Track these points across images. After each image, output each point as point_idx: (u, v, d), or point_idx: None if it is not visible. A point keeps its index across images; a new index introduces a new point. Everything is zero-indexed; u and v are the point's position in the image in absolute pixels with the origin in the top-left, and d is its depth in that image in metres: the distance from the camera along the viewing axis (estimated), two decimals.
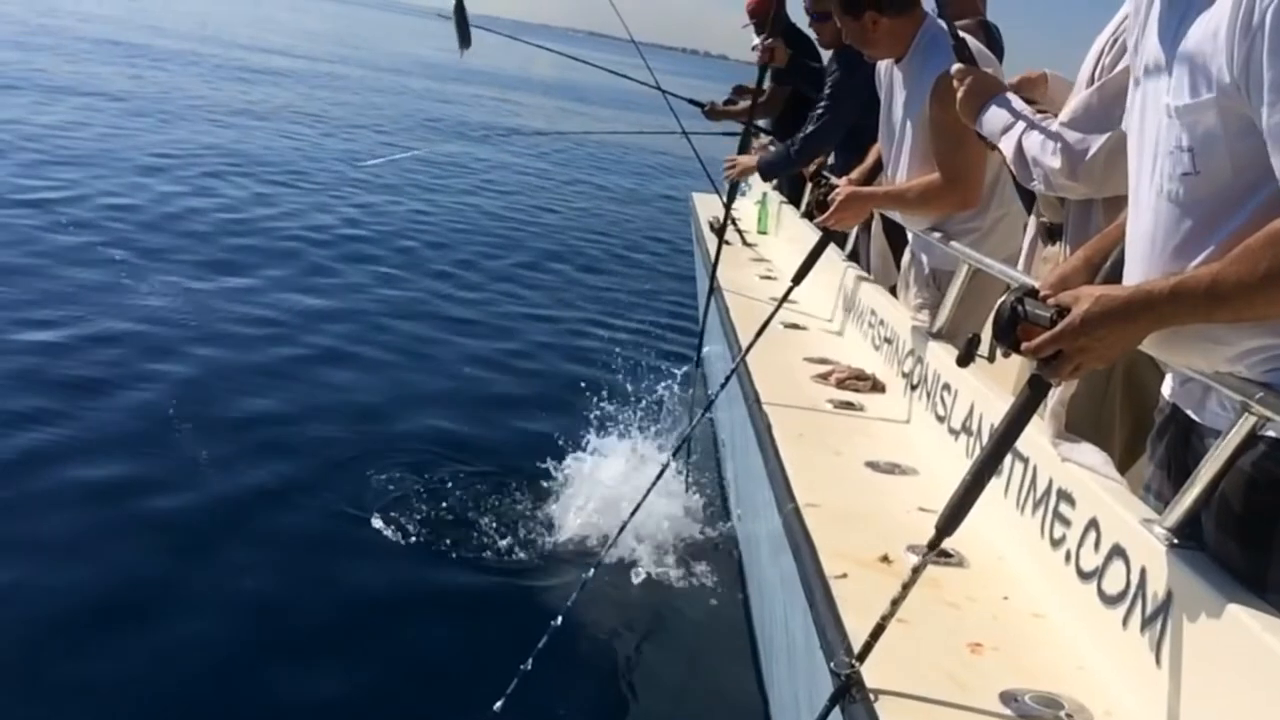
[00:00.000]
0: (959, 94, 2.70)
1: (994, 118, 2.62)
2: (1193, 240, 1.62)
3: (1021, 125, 2.52)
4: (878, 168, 4.09)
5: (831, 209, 3.87)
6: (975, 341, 2.07)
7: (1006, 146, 2.56)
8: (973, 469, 1.92)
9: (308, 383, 6.32)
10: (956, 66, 2.72)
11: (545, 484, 5.10)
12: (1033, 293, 1.78)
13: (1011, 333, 1.77)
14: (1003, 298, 1.81)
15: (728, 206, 5.81)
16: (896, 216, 4.01)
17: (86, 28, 29.95)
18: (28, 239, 8.36)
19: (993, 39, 4.25)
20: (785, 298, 4.07)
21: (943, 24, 3.38)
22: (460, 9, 4.78)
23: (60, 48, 23.38)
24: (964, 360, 2.05)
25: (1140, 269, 1.74)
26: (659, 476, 4.21)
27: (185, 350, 6.47)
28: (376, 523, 4.57)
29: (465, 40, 4.94)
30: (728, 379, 4.01)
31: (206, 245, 9.14)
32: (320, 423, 5.73)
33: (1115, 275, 1.85)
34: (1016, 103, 2.60)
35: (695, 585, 4.28)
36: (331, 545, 4.43)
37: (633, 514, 4.10)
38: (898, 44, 3.61)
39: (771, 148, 6.92)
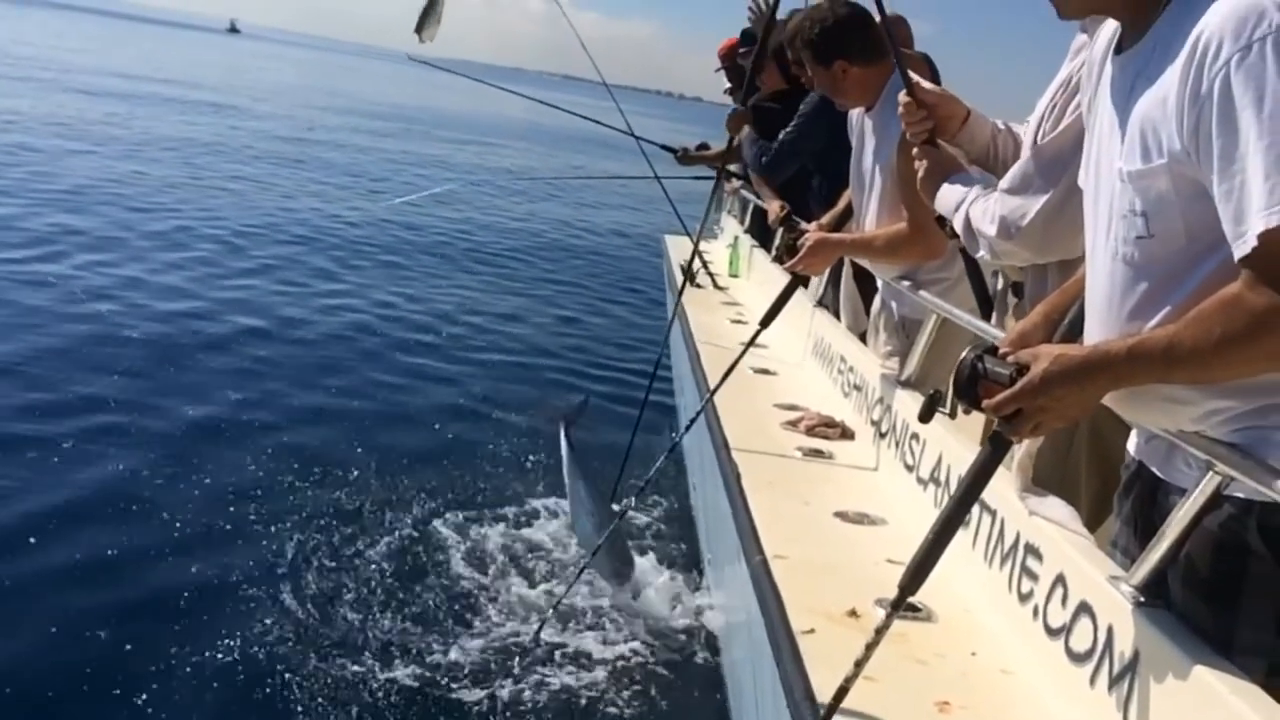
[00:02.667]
0: (919, 174, 2.70)
1: (948, 195, 2.62)
2: (1149, 302, 1.62)
3: (969, 198, 2.52)
4: (847, 214, 4.10)
5: (800, 254, 3.89)
6: (937, 398, 2.06)
7: (957, 221, 2.57)
8: (935, 527, 1.90)
9: (271, 431, 6.28)
10: (917, 149, 2.73)
11: (507, 526, 5.15)
12: (992, 350, 1.77)
13: (972, 390, 1.76)
14: (963, 354, 1.80)
15: (695, 245, 5.87)
16: (866, 264, 4.02)
17: (70, 78, 29.89)
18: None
19: (934, 73, 4.28)
20: (752, 341, 4.08)
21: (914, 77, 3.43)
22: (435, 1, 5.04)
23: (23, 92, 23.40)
24: (925, 416, 2.03)
25: (1099, 329, 1.73)
26: (620, 515, 4.18)
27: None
28: (320, 578, 4.54)
29: (421, 30, 5.13)
30: (691, 422, 4.00)
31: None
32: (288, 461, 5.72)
33: (1074, 332, 1.84)
34: (970, 178, 2.61)
35: (665, 629, 4.24)
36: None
37: (594, 553, 4.11)
38: (868, 93, 3.64)
39: (743, 191, 6.98)
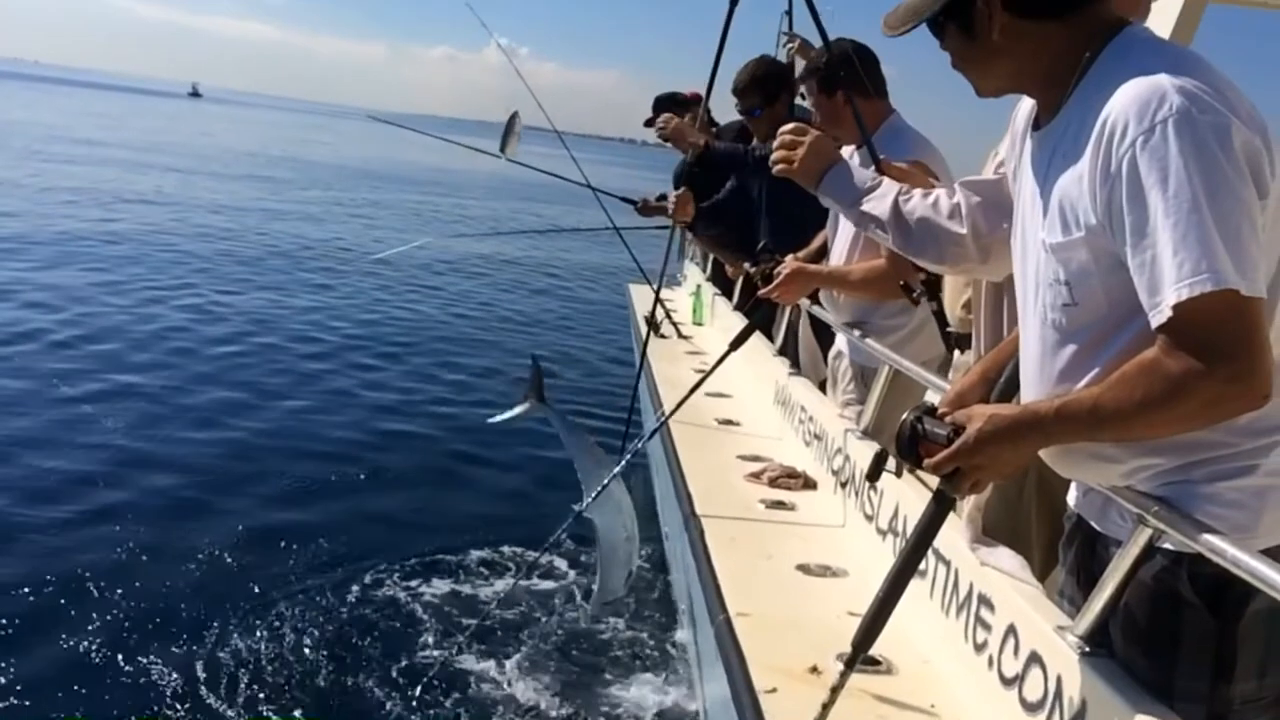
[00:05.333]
0: (799, 152, 2.46)
1: (848, 179, 2.42)
2: (1076, 364, 1.69)
3: (893, 189, 2.33)
4: (820, 254, 4.16)
5: (776, 282, 3.93)
6: (884, 456, 2.11)
7: (876, 207, 2.33)
8: (885, 584, 1.94)
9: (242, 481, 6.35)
10: (793, 125, 2.54)
11: (480, 564, 5.35)
12: (932, 410, 1.83)
13: (914, 450, 1.81)
14: (903, 416, 1.85)
15: (657, 293, 5.97)
16: (826, 317, 4.04)
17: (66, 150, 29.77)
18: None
19: None
20: (721, 361, 4.18)
21: (906, 122, 3.57)
22: (513, 120, 5.48)
23: None
24: (873, 475, 2.08)
25: (1031, 389, 1.80)
26: (571, 520, 4.16)
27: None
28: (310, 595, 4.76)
29: (505, 149, 5.56)
30: (652, 434, 4.06)
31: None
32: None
33: (1010, 390, 1.90)
34: (854, 168, 2.46)
35: (647, 679, 4.28)
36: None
37: (540, 555, 4.27)
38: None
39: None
